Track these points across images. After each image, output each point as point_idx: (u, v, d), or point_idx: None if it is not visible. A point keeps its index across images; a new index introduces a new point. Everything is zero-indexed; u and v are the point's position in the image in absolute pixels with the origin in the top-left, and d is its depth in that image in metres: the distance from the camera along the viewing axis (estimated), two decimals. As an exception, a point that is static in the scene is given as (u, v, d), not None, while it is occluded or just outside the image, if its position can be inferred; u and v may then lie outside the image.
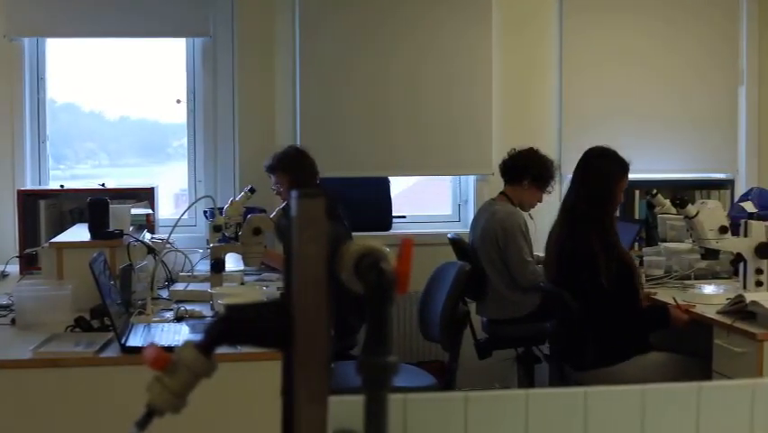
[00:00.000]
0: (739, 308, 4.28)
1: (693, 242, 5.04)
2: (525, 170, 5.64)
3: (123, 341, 3.60)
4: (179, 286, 4.88)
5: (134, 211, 5.13)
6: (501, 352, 5.91)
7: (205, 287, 4.72)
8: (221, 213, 5.23)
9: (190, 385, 1.55)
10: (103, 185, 5.91)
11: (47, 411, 3.44)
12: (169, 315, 4.23)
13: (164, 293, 4.79)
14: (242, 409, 3.47)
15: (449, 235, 6.02)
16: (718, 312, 4.40)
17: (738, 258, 4.89)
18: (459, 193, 7.01)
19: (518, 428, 1.77)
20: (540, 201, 5.76)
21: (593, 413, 1.79)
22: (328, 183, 6.11)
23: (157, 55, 6.73)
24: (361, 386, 1.40)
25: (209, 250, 5.01)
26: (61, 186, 6.00)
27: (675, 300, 4.71)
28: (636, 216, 6.68)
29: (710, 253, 4.88)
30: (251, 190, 5.29)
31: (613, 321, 4.53)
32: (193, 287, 4.83)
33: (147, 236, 5.01)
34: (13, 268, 5.47)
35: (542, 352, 5.85)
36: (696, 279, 5.30)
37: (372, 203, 6.67)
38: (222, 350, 1.56)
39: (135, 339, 3.70)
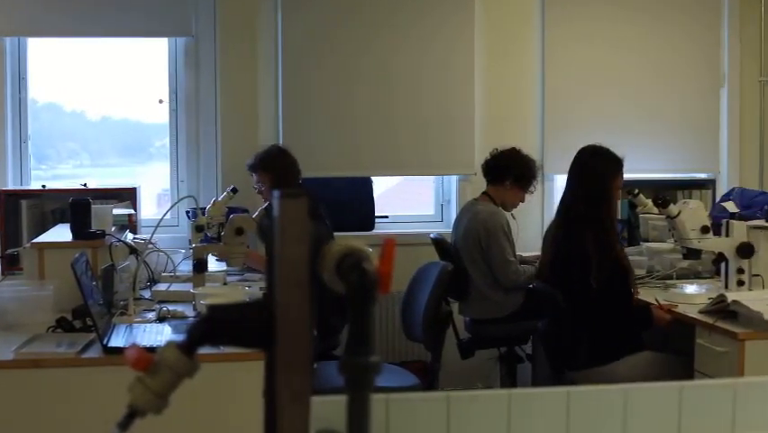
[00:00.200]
0: (721, 308, 4.29)
1: (675, 242, 5.05)
2: (508, 170, 5.64)
3: (105, 342, 3.59)
4: (162, 286, 4.87)
5: (116, 211, 5.12)
6: (484, 352, 5.92)
7: (188, 287, 4.70)
8: (203, 213, 5.21)
9: (172, 386, 1.55)
10: (85, 185, 5.89)
11: (29, 412, 3.43)
12: (152, 315, 4.22)
13: (146, 294, 4.77)
14: (224, 410, 3.47)
15: (431, 235, 6.02)
16: (700, 312, 4.42)
17: (720, 258, 4.91)
18: (441, 193, 7.01)
19: (501, 428, 1.77)
20: (522, 201, 5.77)
21: (576, 413, 1.80)
22: (311, 183, 6.11)
23: (139, 55, 6.71)
24: (343, 386, 1.41)
25: (191, 250, 5.00)
26: (43, 186, 5.98)
27: (657, 301, 4.72)
28: (618, 216, 6.69)
29: (692, 253, 4.89)
30: (234, 190, 5.28)
31: (603, 322, 4.54)
32: (175, 287, 4.82)
33: (129, 237, 5.00)
34: (-5, 268, 5.45)
35: (524, 352, 5.86)
36: (678, 278, 5.32)
37: (355, 203, 6.67)
38: (204, 350, 1.55)
39: (117, 340, 3.68)
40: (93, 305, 3.70)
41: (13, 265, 5.34)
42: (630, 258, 5.51)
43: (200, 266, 4.88)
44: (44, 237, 4.76)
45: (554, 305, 4.70)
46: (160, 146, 6.86)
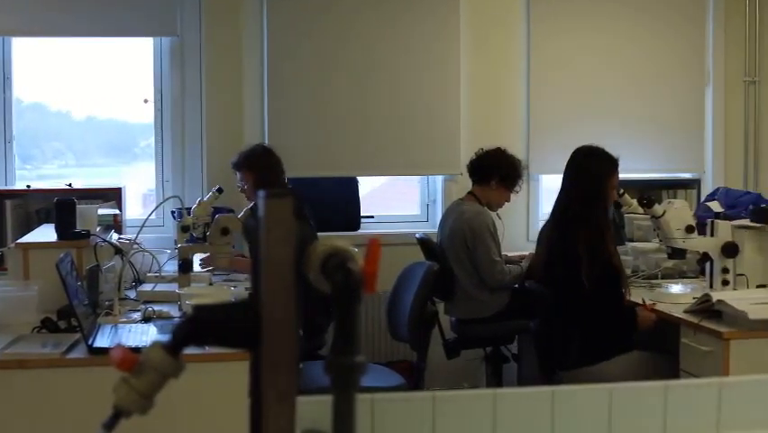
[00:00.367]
0: (706, 308, 4.30)
1: (660, 241, 5.06)
2: (493, 170, 5.64)
3: (90, 342, 3.58)
4: (147, 286, 4.86)
5: (101, 211, 5.11)
6: (469, 351, 5.92)
7: (173, 287, 4.70)
8: (189, 213, 5.20)
9: (158, 386, 1.54)
10: (70, 185, 5.87)
11: (13, 413, 3.42)
12: (137, 315, 4.22)
13: (131, 294, 4.77)
14: (209, 410, 3.46)
15: (417, 235, 6.02)
16: (685, 311, 4.43)
17: (705, 257, 4.92)
18: (427, 193, 7.01)
19: (486, 428, 1.78)
20: (508, 201, 5.77)
21: (561, 412, 1.80)
22: (296, 183, 6.11)
23: (124, 54, 6.68)
24: (329, 386, 1.40)
25: (177, 250, 4.99)
26: (28, 186, 5.96)
27: (644, 301, 4.73)
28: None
29: (677, 253, 4.91)
30: (219, 190, 5.26)
31: (594, 322, 4.55)
32: (161, 287, 4.81)
33: (114, 237, 4.99)
34: (-21, 269, 5.42)
35: (510, 351, 5.87)
36: (663, 278, 5.33)
37: (341, 203, 6.67)
38: (189, 350, 1.55)
39: (102, 340, 3.68)
40: (78, 305, 3.69)
41: (-3, 266, 5.33)
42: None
43: (185, 266, 4.87)
44: (29, 237, 4.75)
45: (546, 305, 4.71)
46: (146, 146, 6.85)
